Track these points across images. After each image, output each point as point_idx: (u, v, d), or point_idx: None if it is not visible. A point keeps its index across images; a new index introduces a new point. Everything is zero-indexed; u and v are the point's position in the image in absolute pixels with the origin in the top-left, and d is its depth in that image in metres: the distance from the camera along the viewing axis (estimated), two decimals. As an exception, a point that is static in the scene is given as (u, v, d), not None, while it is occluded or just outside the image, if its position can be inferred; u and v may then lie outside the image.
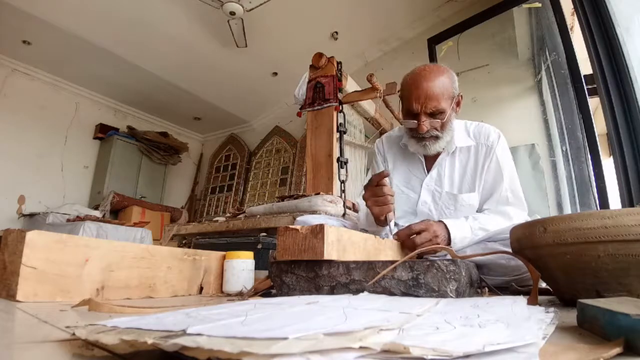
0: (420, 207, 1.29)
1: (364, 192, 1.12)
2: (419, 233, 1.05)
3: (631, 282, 0.57)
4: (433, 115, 1.16)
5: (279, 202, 2.18)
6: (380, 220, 1.12)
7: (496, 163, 1.23)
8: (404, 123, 1.23)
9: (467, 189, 1.24)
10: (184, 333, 0.28)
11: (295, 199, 2.09)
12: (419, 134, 1.19)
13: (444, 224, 1.09)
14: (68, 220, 3.45)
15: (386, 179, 1.06)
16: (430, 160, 1.30)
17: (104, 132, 4.65)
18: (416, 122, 1.16)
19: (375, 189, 1.07)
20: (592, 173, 1.87)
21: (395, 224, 1.37)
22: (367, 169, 2.76)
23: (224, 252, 1.04)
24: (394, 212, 1.11)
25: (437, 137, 1.19)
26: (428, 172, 1.29)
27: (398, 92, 1.34)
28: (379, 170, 1.40)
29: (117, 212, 4.34)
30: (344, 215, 1.90)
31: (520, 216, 1.19)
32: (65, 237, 0.71)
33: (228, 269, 0.99)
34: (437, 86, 1.14)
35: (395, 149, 1.39)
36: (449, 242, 1.08)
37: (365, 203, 1.13)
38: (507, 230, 1.03)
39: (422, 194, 1.29)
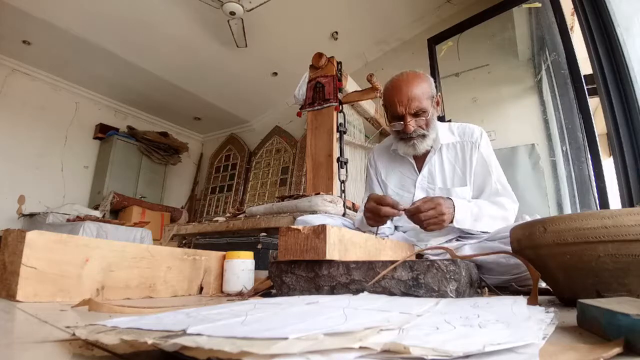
0: None
1: (366, 200, 1.19)
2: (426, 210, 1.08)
3: (631, 282, 0.57)
4: (417, 115, 1.23)
5: (279, 202, 2.18)
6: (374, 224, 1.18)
7: (482, 159, 1.29)
8: (391, 127, 1.30)
9: (458, 183, 1.29)
10: (184, 333, 0.28)
11: (295, 199, 2.09)
12: (407, 135, 1.25)
13: (451, 201, 1.12)
14: (68, 220, 3.45)
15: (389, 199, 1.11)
16: (419, 161, 1.36)
17: (104, 132, 4.64)
18: (402, 123, 1.24)
19: (379, 208, 1.11)
20: (592, 173, 1.86)
21: (396, 228, 1.42)
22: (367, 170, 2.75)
23: (224, 252, 1.04)
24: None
25: (423, 136, 1.26)
26: (419, 171, 1.35)
27: (380, 96, 1.40)
28: (372, 183, 1.48)
29: (117, 212, 4.34)
30: (343, 215, 1.90)
31: (512, 206, 1.23)
32: (65, 237, 0.71)
33: (228, 269, 0.99)
34: (417, 88, 1.22)
35: (386, 157, 1.46)
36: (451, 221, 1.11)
37: (364, 215, 1.18)
38: (506, 229, 1.04)
39: (417, 193, 1.33)
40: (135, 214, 4.25)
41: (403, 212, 1.08)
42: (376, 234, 1.13)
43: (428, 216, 1.06)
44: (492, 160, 1.30)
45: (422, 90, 1.23)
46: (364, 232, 1.34)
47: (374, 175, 1.49)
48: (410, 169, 1.37)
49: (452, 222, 1.10)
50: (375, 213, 1.12)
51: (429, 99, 1.24)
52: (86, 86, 4.50)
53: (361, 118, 2.88)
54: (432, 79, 1.31)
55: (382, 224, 1.17)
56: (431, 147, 1.30)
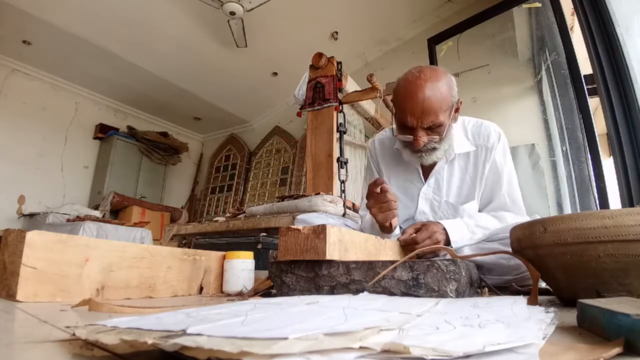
0: (418, 216, 1.23)
1: (366, 201, 1.08)
2: (418, 231, 1.04)
3: (631, 282, 0.57)
4: (430, 129, 1.05)
5: (279, 202, 2.18)
6: (386, 227, 1.07)
7: (495, 167, 1.16)
8: (398, 137, 1.13)
9: (467, 197, 1.18)
10: (184, 333, 0.28)
11: (295, 199, 2.09)
12: (415, 148, 1.10)
13: (441, 225, 1.07)
14: (68, 220, 3.45)
15: (386, 185, 1.03)
16: (427, 167, 1.20)
17: (104, 132, 4.65)
18: (412, 137, 1.07)
19: (378, 195, 1.02)
20: (592, 173, 1.87)
21: (400, 228, 1.35)
22: (368, 161, 2.75)
23: (224, 252, 1.04)
24: (397, 218, 1.09)
25: (434, 149, 1.10)
26: (425, 179, 1.22)
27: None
28: (373, 175, 1.35)
29: (117, 212, 4.34)
30: (344, 215, 1.90)
31: (517, 221, 1.16)
32: (65, 237, 0.71)
33: (228, 269, 0.99)
34: (435, 98, 1.02)
35: (389, 154, 1.30)
36: (447, 243, 1.06)
37: (369, 212, 1.08)
38: (506, 229, 1.02)
39: (420, 204, 1.22)
40: (135, 214, 4.25)
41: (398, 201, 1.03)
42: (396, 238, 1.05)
43: (424, 246, 0.98)
44: (506, 169, 1.16)
45: (441, 100, 1.03)
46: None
47: (375, 168, 1.35)
48: (415, 175, 1.24)
49: (449, 245, 1.04)
50: (381, 201, 1.00)
51: (447, 110, 1.05)
52: (86, 86, 4.50)
53: (361, 118, 2.88)
54: (453, 80, 1.09)
55: (393, 215, 1.04)
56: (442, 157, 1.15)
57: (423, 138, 1.05)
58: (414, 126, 1.05)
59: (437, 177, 1.20)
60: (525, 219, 1.15)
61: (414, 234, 1.03)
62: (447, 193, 1.19)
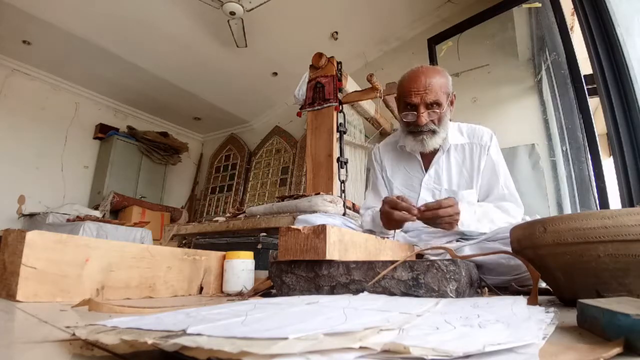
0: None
1: (370, 200, 1.19)
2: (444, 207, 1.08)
3: (631, 282, 0.57)
4: (431, 107, 1.21)
5: (279, 202, 2.18)
6: (393, 225, 1.15)
7: (491, 163, 1.29)
8: (402, 117, 1.27)
9: (465, 186, 1.29)
10: (184, 333, 0.28)
11: (295, 199, 2.09)
12: (417, 128, 1.23)
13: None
14: (68, 220, 3.45)
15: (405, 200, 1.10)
16: (427, 159, 1.34)
17: (104, 132, 4.64)
18: (415, 114, 1.22)
19: (391, 212, 1.09)
20: (592, 173, 1.86)
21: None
22: (368, 169, 2.76)
23: (224, 252, 1.04)
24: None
25: (434, 132, 1.24)
26: (426, 171, 1.34)
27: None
28: (377, 180, 1.45)
29: (117, 212, 4.34)
30: (343, 215, 1.90)
31: (518, 212, 1.23)
32: (65, 237, 0.71)
33: (228, 269, 0.99)
34: (435, 80, 1.21)
35: (392, 153, 1.43)
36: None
37: (384, 207, 1.14)
38: (506, 229, 1.04)
39: (422, 193, 1.32)
40: (135, 214, 4.25)
41: (416, 219, 1.07)
42: (393, 237, 1.14)
43: (447, 212, 1.05)
44: (501, 164, 1.30)
45: (440, 83, 1.22)
46: (376, 233, 1.32)
47: (379, 171, 1.46)
48: (417, 167, 1.36)
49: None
50: (389, 219, 1.10)
51: (445, 94, 1.23)
52: (86, 86, 4.50)
53: (361, 118, 2.88)
54: (450, 78, 1.29)
55: (399, 228, 1.16)
56: (440, 146, 1.28)
57: (425, 115, 1.21)
58: (417, 103, 1.21)
59: (436, 167, 1.33)
60: (522, 210, 1.25)
61: (440, 200, 1.07)
62: (446, 181, 1.31)
